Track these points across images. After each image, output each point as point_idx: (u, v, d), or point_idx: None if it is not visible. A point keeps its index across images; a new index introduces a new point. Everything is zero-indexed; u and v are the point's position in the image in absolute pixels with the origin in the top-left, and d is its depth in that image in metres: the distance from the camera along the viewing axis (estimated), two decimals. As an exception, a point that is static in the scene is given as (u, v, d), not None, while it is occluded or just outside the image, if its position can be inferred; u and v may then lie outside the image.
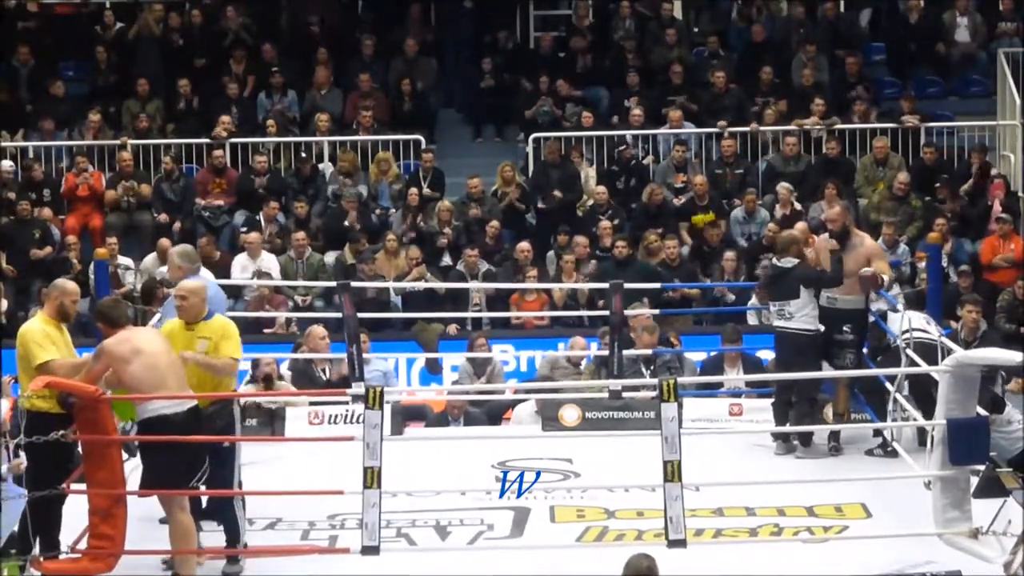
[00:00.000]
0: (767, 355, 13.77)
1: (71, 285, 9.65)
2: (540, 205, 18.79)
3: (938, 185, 18.57)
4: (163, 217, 18.90)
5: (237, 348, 9.72)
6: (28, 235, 18.32)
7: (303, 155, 19.39)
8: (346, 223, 18.34)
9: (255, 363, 14.07)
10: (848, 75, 20.21)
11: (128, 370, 9.12)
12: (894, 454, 11.77)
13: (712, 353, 14.64)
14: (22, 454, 9.64)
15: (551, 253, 18.20)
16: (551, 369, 14.68)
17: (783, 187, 18.43)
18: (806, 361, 11.90)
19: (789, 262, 12.15)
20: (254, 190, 18.95)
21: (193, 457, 9.29)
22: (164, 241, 17.85)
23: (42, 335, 9.36)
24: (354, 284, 14.93)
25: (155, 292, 12.38)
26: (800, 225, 14.39)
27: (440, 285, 17.07)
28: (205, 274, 11.29)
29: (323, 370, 14.27)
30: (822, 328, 12.12)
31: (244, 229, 18.50)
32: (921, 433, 11.63)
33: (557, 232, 18.25)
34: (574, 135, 19.67)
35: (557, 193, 18.66)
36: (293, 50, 21.05)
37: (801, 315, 12.05)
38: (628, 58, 20.75)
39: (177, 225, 18.85)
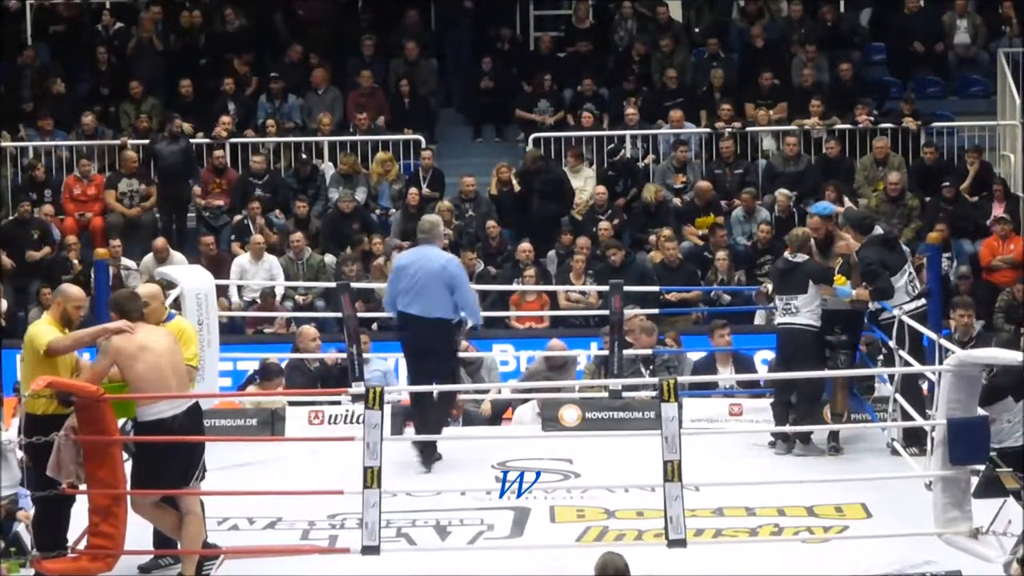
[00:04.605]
0: (768, 355, 13.77)
1: (74, 291, 9.62)
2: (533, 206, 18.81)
3: (946, 185, 18.57)
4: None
5: (196, 355, 9.74)
6: (27, 235, 18.32)
7: (303, 156, 19.38)
8: (343, 224, 18.39)
9: (262, 363, 14.09)
10: (843, 79, 20.21)
11: (133, 367, 9.12)
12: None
13: (703, 354, 14.64)
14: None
15: (552, 253, 18.22)
16: (537, 373, 14.63)
17: (781, 193, 18.44)
18: (808, 359, 11.91)
19: (800, 257, 12.18)
20: (252, 191, 18.97)
21: (189, 459, 9.30)
22: (160, 240, 17.86)
23: (45, 330, 9.37)
24: (355, 285, 14.94)
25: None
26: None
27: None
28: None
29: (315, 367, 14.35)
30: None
31: (233, 237, 18.51)
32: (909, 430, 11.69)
33: (559, 232, 18.27)
34: (574, 135, 19.67)
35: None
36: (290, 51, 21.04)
37: (807, 311, 12.07)
38: (628, 59, 20.75)
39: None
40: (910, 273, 12.09)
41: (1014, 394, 11.10)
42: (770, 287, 12.86)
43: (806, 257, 12.18)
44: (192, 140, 19.53)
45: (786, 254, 12.41)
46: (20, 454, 9.78)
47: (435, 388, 11.92)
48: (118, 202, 19.05)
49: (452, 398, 12.49)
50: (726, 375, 13.99)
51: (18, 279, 18.08)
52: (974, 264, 17.91)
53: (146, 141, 19.53)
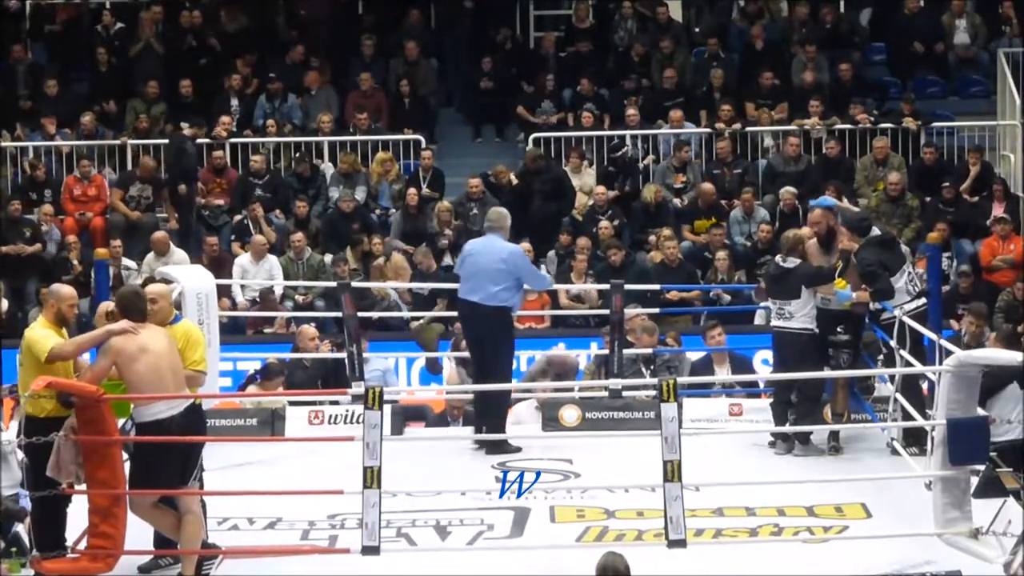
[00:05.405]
0: (768, 355, 13.77)
1: (67, 290, 9.61)
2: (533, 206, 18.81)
3: (946, 185, 18.57)
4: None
5: (204, 359, 9.70)
6: (19, 234, 18.27)
7: (304, 158, 19.36)
8: (343, 224, 18.39)
9: (264, 363, 14.12)
10: (843, 79, 20.21)
11: (133, 368, 9.11)
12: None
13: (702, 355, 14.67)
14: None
15: (552, 253, 18.22)
16: (538, 376, 14.66)
17: (786, 190, 18.43)
18: (806, 362, 11.90)
19: (792, 262, 12.15)
20: (252, 191, 18.98)
21: (187, 458, 9.30)
22: (160, 234, 17.86)
23: (44, 335, 9.35)
24: (355, 284, 14.96)
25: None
26: (806, 229, 14.37)
27: (435, 286, 17.01)
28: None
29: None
30: (817, 331, 12.11)
31: (233, 237, 18.51)
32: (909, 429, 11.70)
33: (559, 232, 18.28)
34: (574, 135, 19.67)
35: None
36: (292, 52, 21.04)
37: (801, 315, 12.05)
38: (628, 59, 20.76)
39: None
40: (909, 273, 12.08)
41: (1020, 381, 11.07)
42: None
43: (798, 261, 12.14)
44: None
45: (777, 258, 12.39)
46: (20, 455, 9.78)
47: (433, 389, 11.97)
48: (123, 203, 19.03)
49: (507, 394, 12.68)
50: (725, 376, 13.99)
51: (14, 279, 18.04)
52: (974, 264, 17.92)
53: (147, 141, 19.56)
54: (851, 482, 11.07)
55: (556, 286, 17.19)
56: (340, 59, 21.11)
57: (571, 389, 13.78)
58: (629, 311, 14.07)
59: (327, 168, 19.61)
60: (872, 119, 19.55)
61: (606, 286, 14.37)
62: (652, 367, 13.94)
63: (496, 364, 12.36)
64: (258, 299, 17.58)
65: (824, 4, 21.28)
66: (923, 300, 12.09)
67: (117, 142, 19.76)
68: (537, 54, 21.31)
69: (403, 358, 16.09)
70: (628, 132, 19.66)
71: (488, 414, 12.46)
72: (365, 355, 13.79)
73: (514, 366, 13.11)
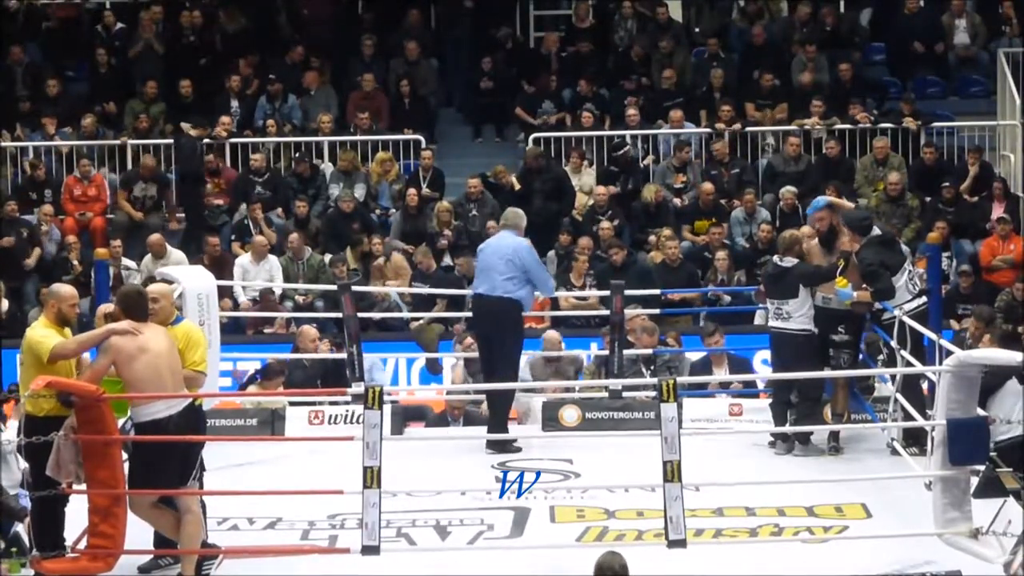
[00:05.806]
0: (767, 355, 13.78)
1: (67, 290, 9.60)
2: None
3: (946, 185, 18.57)
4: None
5: (204, 359, 9.67)
6: (16, 235, 18.24)
7: (304, 158, 19.35)
8: (343, 224, 18.39)
9: (265, 362, 14.14)
10: (843, 79, 20.21)
11: (132, 367, 9.10)
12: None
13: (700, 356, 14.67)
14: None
15: (552, 253, 18.21)
16: (535, 365, 14.67)
17: (787, 190, 18.42)
18: (805, 363, 11.89)
19: (789, 261, 12.15)
20: (253, 189, 18.98)
21: (185, 458, 9.29)
22: (156, 237, 17.85)
23: (45, 335, 9.34)
24: (355, 288, 14.96)
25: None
26: (805, 228, 14.38)
27: (436, 291, 16.99)
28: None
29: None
30: (816, 331, 12.11)
31: (233, 237, 18.50)
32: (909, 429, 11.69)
33: (559, 232, 18.27)
34: (574, 135, 19.67)
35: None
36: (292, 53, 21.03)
37: (799, 315, 12.05)
38: (628, 59, 20.75)
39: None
40: (910, 271, 12.09)
41: (1019, 377, 11.05)
42: None
43: (795, 261, 12.15)
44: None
45: (775, 258, 12.39)
46: (22, 462, 9.79)
47: (433, 389, 11.99)
48: (128, 203, 19.02)
49: (510, 393, 12.76)
50: (726, 376, 13.99)
51: (14, 279, 17.99)
52: (974, 264, 17.92)
53: (147, 141, 19.56)
54: (851, 482, 11.09)
55: (557, 293, 17.20)
56: (340, 59, 21.10)
57: (571, 389, 13.79)
58: (629, 311, 14.08)
59: (327, 168, 19.60)
60: (872, 119, 19.54)
61: (606, 292, 14.37)
62: (652, 367, 13.95)
63: (502, 361, 12.39)
64: (258, 299, 17.58)
65: (824, 4, 21.27)
66: (923, 299, 12.09)
67: (117, 142, 19.75)
68: (537, 54, 21.30)
69: (403, 358, 16.08)
70: (628, 132, 19.65)
71: (490, 411, 12.48)
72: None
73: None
